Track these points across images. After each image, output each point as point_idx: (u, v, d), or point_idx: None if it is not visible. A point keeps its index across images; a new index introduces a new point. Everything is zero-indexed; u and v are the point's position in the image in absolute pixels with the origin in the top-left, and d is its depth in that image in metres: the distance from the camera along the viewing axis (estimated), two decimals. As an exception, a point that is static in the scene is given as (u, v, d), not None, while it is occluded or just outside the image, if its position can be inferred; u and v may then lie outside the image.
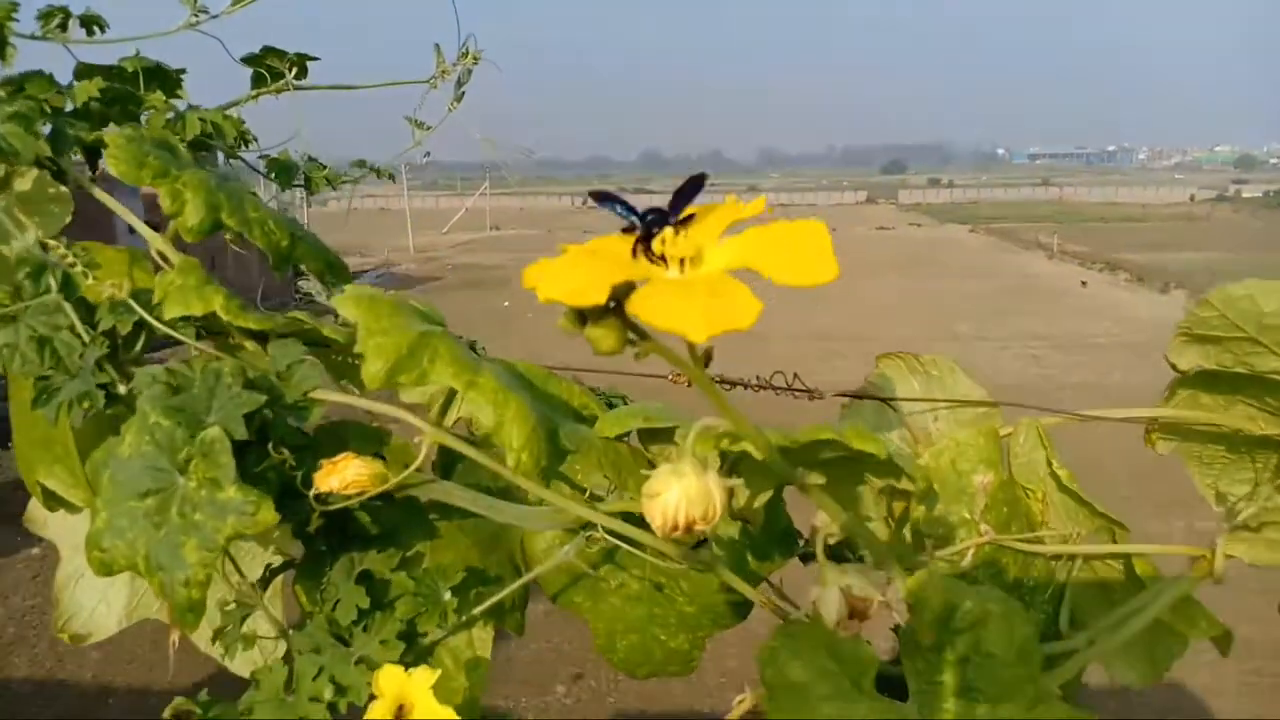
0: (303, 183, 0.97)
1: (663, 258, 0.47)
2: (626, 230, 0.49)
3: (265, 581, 0.73)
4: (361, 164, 1.06)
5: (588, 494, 0.75)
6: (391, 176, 1.06)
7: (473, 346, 0.96)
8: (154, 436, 0.62)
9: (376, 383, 0.58)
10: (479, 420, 0.59)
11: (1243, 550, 0.63)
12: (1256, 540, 0.62)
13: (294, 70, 1.02)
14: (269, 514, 0.60)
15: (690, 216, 0.49)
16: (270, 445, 0.66)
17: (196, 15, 0.91)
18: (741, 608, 0.79)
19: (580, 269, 0.45)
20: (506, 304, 12.97)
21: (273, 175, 0.97)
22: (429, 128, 1.15)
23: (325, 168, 1.00)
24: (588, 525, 0.73)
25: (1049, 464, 0.68)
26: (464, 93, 1.10)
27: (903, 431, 0.74)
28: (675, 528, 0.52)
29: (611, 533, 0.71)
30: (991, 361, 10.73)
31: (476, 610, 0.71)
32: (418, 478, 0.65)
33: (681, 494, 0.51)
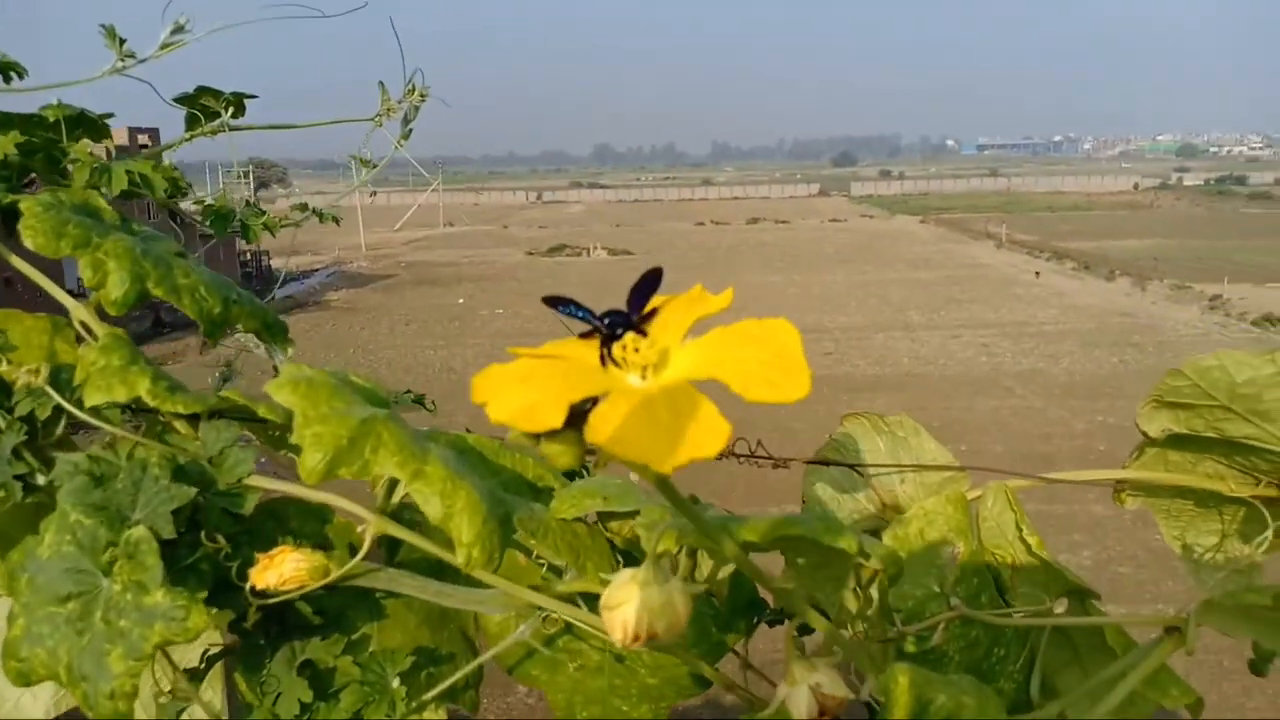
0: (239, 230, 0.93)
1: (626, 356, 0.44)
2: (585, 335, 0.46)
3: (202, 672, 0.69)
4: (303, 207, 1.01)
5: (545, 566, 0.72)
6: (336, 220, 1.01)
7: (420, 401, 0.93)
8: (75, 536, 0.58)
9: (316, 477, 0.55)
10: (426, 512, 0.56)
11: (1216, 620, 0.61)
12: (1230, 609, 0.61)
13: (230, 109, 0.97)
14: (200, 619, 0.56)
15: (652, 312, 0.46)
16: (203, 534, 0.62)
17: (123, 60, 0.86)
18: (705, 678, 0.76)
19: (533, 384, 0.41)
20: (461, 300, 12.87)
21: (207, 223, 0.92)
22: (374, 165, 1.11)
23: (264, 214, 0.95)
24: (554, 569, 0.70)
25: (1018, 529, 0.67)
26: (411, 130, 1.06)
27: (869, 493, 0.72)
28: (636, 639, 0.49)
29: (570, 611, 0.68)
30: (942, 350, 10.87)
31: (428, 695, 0.68)
32: (362, 567, 0.62)
33: (642, 605, 0.48)
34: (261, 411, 0.62)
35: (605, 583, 0.52)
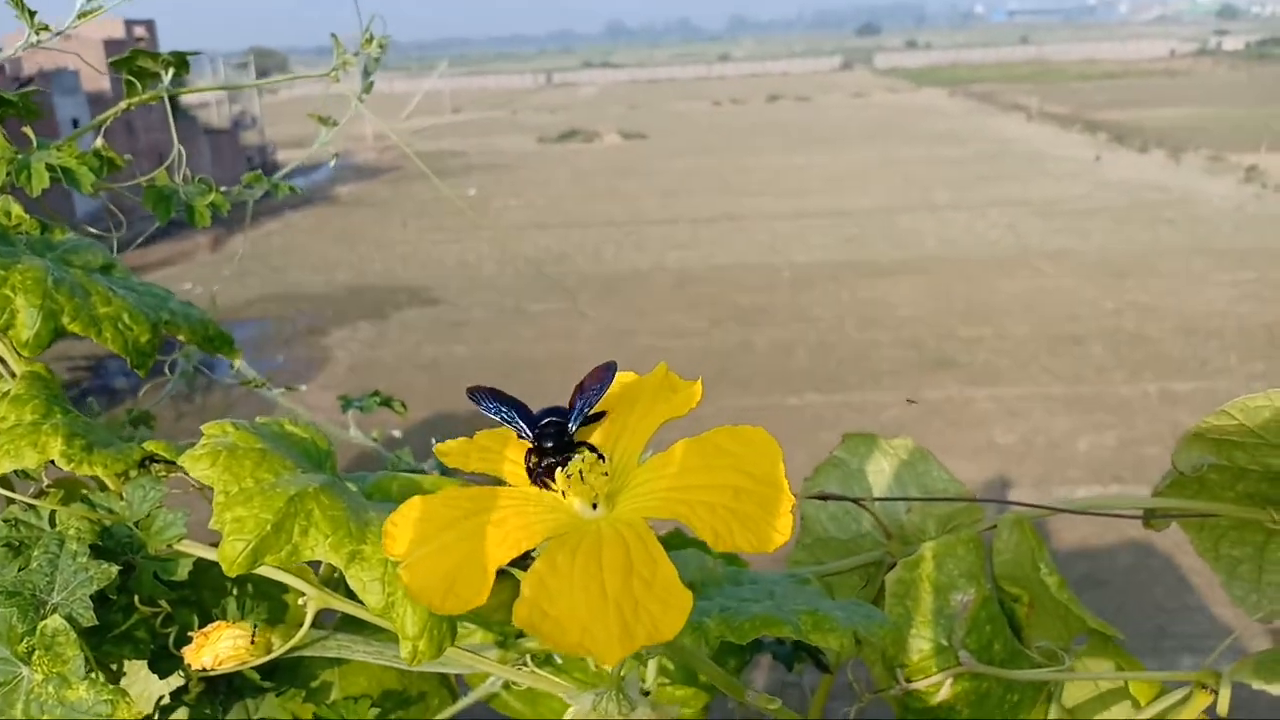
0: (183, 213, 0.84)
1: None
2: (532, 444, 0.39)
3: (160, 716, 0.65)
4: (257, 178, 0.93)
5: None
6: (292, 190, 0.93)
7: (388, 403, 0.86)
8: (-12, 622, 0.53)
9: (238, 570, 0.49)
10: (364, 601, 0.50)
11: (1251, 674, 0.55)
12: (1268, 663, 0.55)
13: (170, 71, 0.88)
14: (127, 714, 0.51)
15: (599, 415, 0.39)
16: (137, 599, 0.57)
17: (38, 34, 0.77)
18: (695, 703, 0.72)
19: (454, 540, 0.34)
20: (472, 192, 12.68)
21: (150, 206, 0.84)
22: (334, 123, 1.02)
23: (212, 190, 0.87)
24: (520, 634, 0.65)
25: (1037, 566, 0.60)
26: (372, 83, 0.96)
27: (872, 521, 0.65)
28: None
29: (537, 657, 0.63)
30: (968, 230, 10.65)
31: (397, 747, 0.64)
32: (308, 637, 0.57)
33: (606, 737, 0.42)
34: (191, 472, 0.56)
35: (571, 693, 0.46)
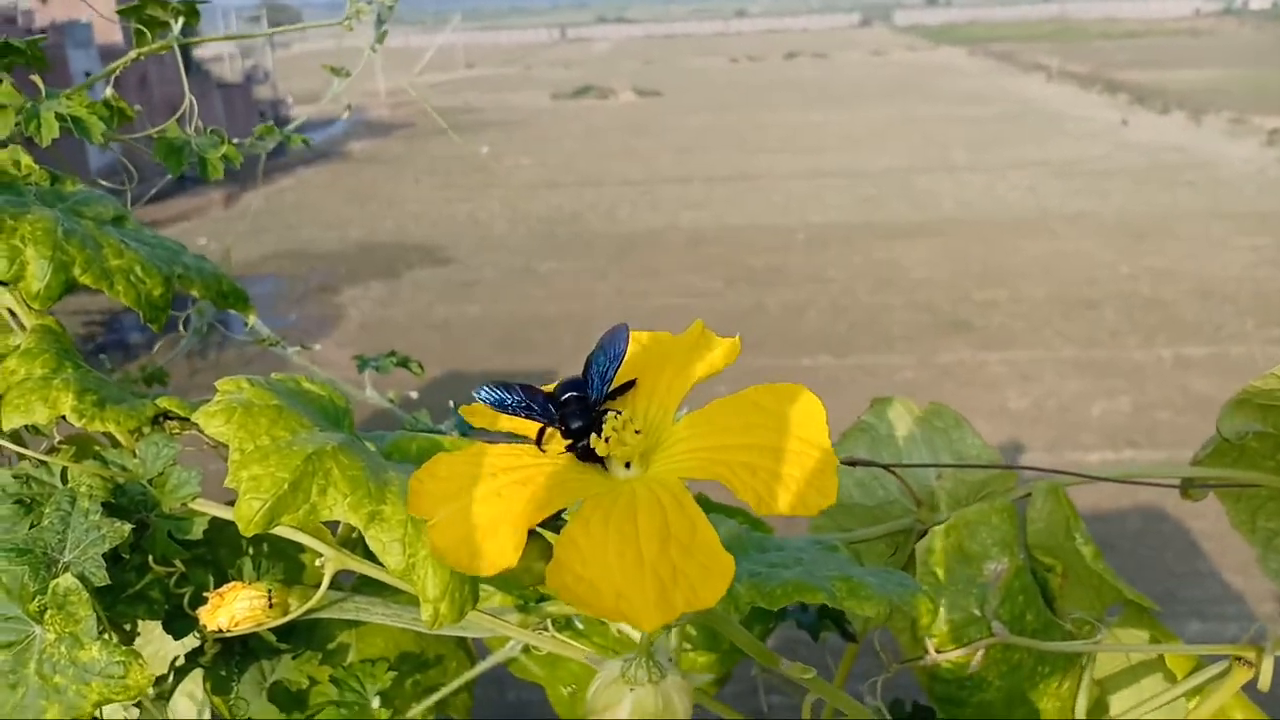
0: (196, 165, 0.82)
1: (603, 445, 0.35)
2: (540, 415, 0.37)
3: (171, 686, 0.64)
4: (269, 129, 0.90)
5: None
6: (305, 142, 0.91)
7: (405, 364, 0.85)
8: (1, 580, 0.52)
9: (255, 529, 0.47)
10: (385, 563, 0.49)
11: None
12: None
13: (180, 20, 0.86)
14: (140, 677, 0.50)
15: (627, 385, 0.37)
16: (151, 558, 0.56)
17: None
18: (719, 669, 0.71)
19: (481, 500, 0.33)
20: (485, 149, 12.59)
21: (161, 158, 0.82)
22: (347, 73, 1.00)
23: (224, 142, 0.85)
24: (542, 598, 0.64)
25: (1071, 535, 0.59)
26: (385, 32, 0.94)
27: (901, 487, 0.63)
28: (629, 753, 0.42)
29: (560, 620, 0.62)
30: (987, 191, 10.53)
31: (417, 710, 0.63)
32: (325, 599, 0.55)
33: (634, 709, 0.41)
34: (206, 430, 0.54)
35: (596, 659, 0.45)
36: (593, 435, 0.34)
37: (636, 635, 0.65)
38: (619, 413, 0.35)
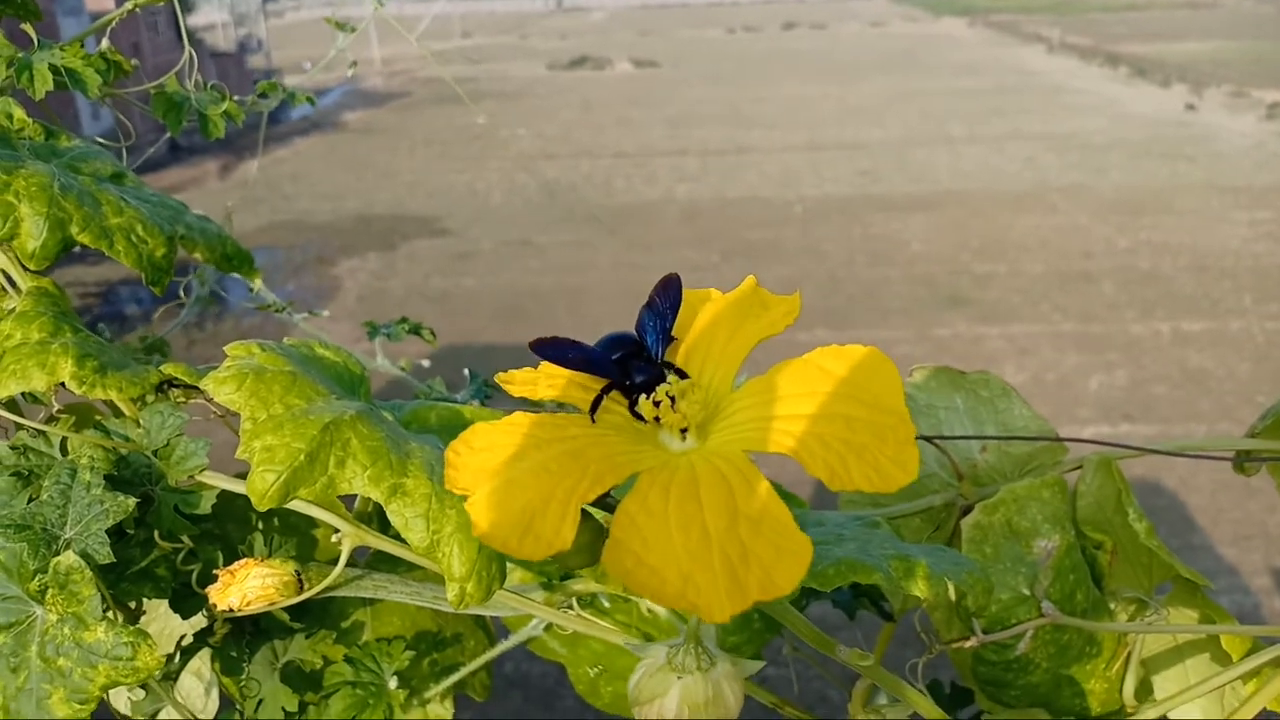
0: (196, 122, 0.79)
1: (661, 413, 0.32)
2: (592, 366, 0.34)
3: (178, 667, 0.61)
4: (271, 86, 0.87)
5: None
6: (310, 100, 0.87)
7: (416, 330, 0.81)
8: (-2, 557, 0.49)
9: (269, 504, 0.44)
10: (408, 539, 0.46)
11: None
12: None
13: (177, -32, 0.82)
14: (149, 658, 0.47)
15: (669, 339, 0.34)
16: (157, 534, 0.53)
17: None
18: (748, 650, 0.68)
19: (528, 474, 0.30)
20: (482, 120, 12.48)
21: (160, 115, 0.78)
22: (352, 29, 0.96)
23: (225, 98, 0.81)
24: (566, 575, 0.61)
25: (1124, 510, 0.56)
26: (391, -13, 0.90)
27: (941, 457, 0.61)
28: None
29: (585, 599, 0.60)
30: (984, 164, 10.48)
31: (434, 691, 0.60)
32: (343, 577, 0.53)
33: (682, 700, 0.38)
34: (215, 396, 0.51)
35: (637, 644, 0.42)
36: (665, 402, 0.31)
37: (663, 611, 0.62)
38: (683, 374, 0.32)
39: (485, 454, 0.31)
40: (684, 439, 0.32)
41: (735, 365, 0.33)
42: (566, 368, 0.34)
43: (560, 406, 0.36)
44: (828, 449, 0.29)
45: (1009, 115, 13.08)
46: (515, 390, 0.35)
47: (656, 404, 0.32)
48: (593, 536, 0.32)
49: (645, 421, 0.32)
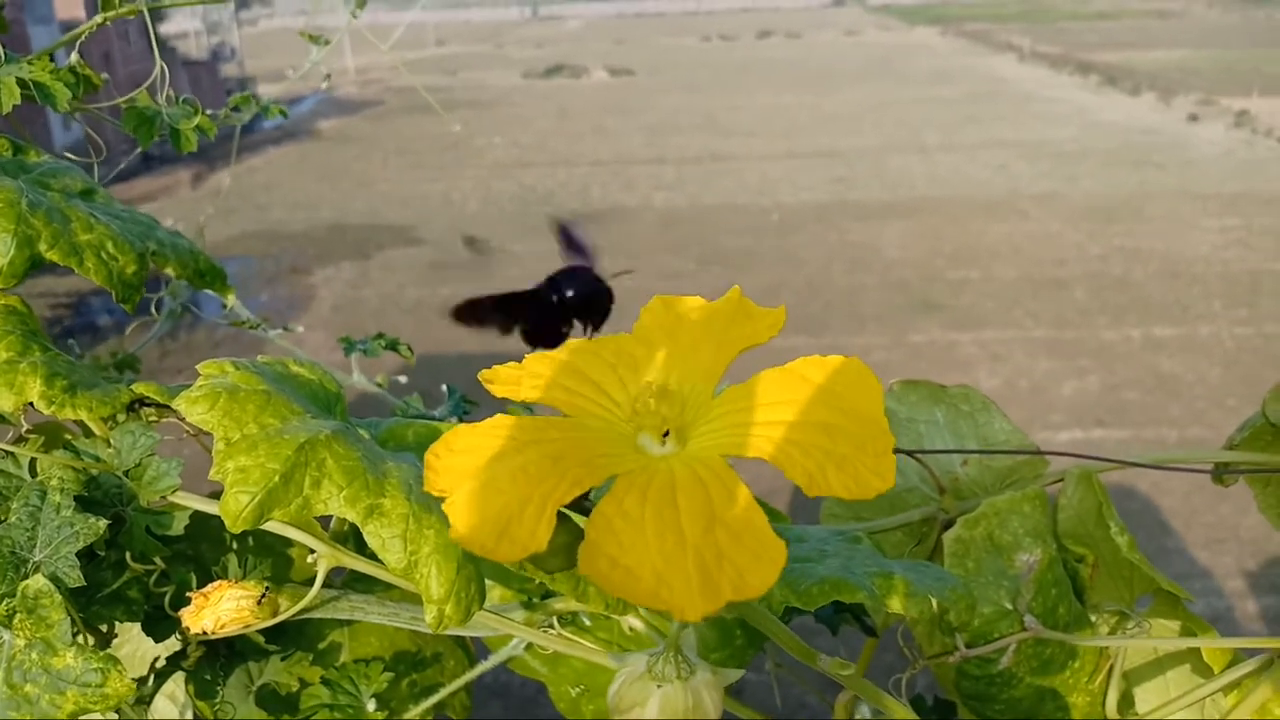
0: (167, 136, 0.78)
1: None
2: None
3: (151, 690, 0.60)
4: (245, 100, 0.86)
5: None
6: (283, 113, 0.86)
7: (394, 346, 0.81)
8: (-37, 582, 0.47)
9: (243, 525, 0.44)
10: (384, 560, 0.45)
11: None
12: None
13: (149, -19, 0.81)
14: (119, 685, 0.46)
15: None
16: (129, 556, 0.52)
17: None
18: (733, 664, 0.68)
19: (504, 476, 0.30)
20: (457, 128, 12.45)
21: (131, 129, 0.77)
22: (326, 41, 0.95)
23: (197, 112, 0.80)
24: (547, 594, 0.60)
25: (1107, 526, 0.56)
26: (365, 1, 0.89)
27: (923, 471, 0.61)
28: (656, 753, 0.39)
29: (567, 617, 0.59)
30: (957, 172, 10.57)
31: (414, 712, 0.60)
32: (318, 598, 0.52)
33: (662, 708, 0.38)
34: (189, 416, 0.50)
35: (617, 655, 0.41)
36: (624, 398, 0.31)
37: (643, 628, 0.62)
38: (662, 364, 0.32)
39: (465, 456, 0.31)
40: (664, 443, 0.32)
41: (718, 373, 0.33)
42: (492, 315, 0.34)
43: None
44: (807, 456, 0.29)
45: (982, 123, 13.22)
46: (498, 390, 0.35)
47: (638, 399, 0.32)
48: (570, 539, 0.31)
49: (624, 423, 0.32)
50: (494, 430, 0.31)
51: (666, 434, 0.32)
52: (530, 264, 7.44)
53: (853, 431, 0.29)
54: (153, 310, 0.85)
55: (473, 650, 0.66)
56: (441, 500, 0.49)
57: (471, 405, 0.75)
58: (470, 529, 0.29)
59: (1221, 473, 0.57)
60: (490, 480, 0.30)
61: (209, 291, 0.72)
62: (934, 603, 0.42)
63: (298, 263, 7.67)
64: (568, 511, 0.33)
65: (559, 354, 0.36)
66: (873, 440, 0.29)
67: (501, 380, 0.36)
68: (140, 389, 0.52)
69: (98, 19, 0.80)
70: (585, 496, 0.32)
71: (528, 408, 0.49)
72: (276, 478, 0.44)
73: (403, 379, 0.84)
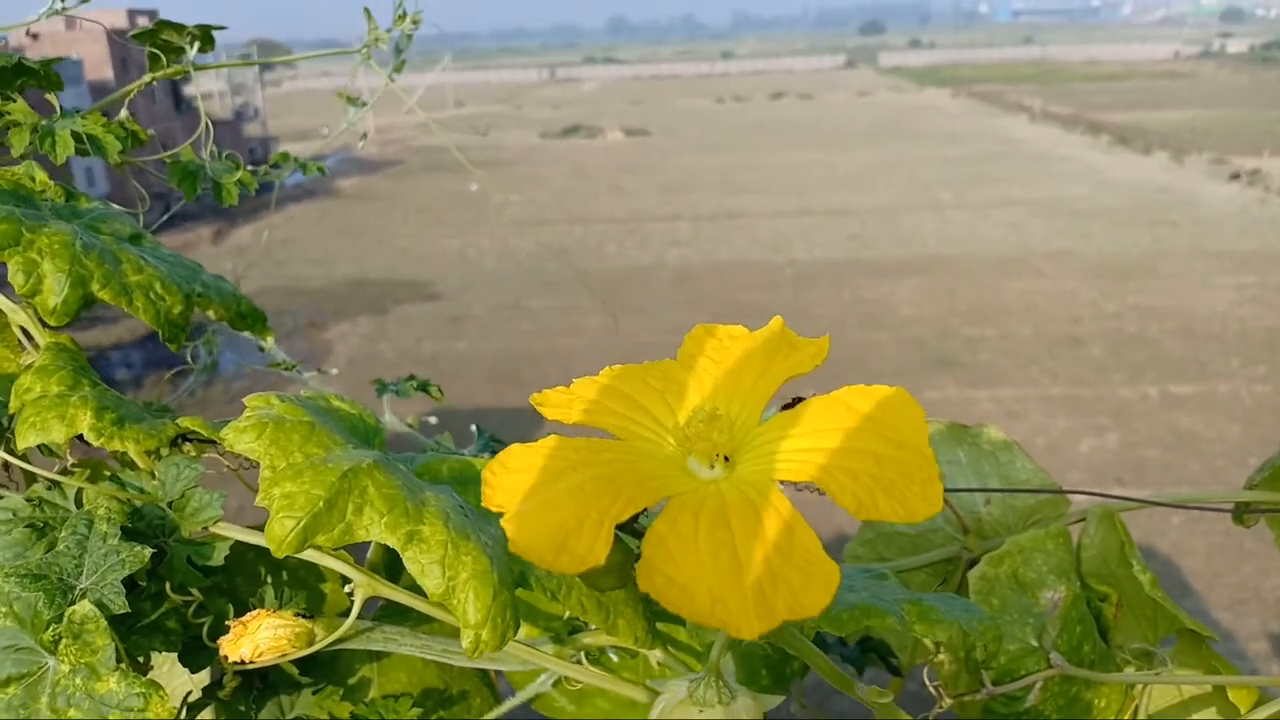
0: (210, 190, 0.81)
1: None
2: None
3: (189, 713, 0.61)
4: (284, 157, 0.89)
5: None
6: (321, 170, 0.89)
7: (425, 388, 0.83)
8: (12, 608, 0.49)
9: (288, 550, 0.45)
10: (423, 585, 0.46)
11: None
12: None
13: (195, 44, 0.84)
14: (161, 710, 0.47)
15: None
16: (169, 586, 0.53)
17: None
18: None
19: (564, 494, 0.31)
20: (475, 187, 12.63)
21: (176, 183, 0.80)
22: (364, 103, 0.98)
23: (239, 168, 0.83)
24: (573, 630, 0.61)
25: (1128, 563, 0.57)
26: (404, 62, 0.93)
27: (946, 512, 0.61)
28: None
29: (596, 656, 0.60)
30: (970, 230, 10.63)
31: (439, 747, 0.60)
32: (353, 628, 0.53)
33: (704, 731, 0.39)
34: (234, 447, 0.52)
35: (657, 681, 0.42)
36: (675, 424, 0.32)
37: (671, 662, 0.62)
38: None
39: (520, 474, 0.32)
40: (713, 467, 0.33)
41: (764, 400, 0.35)
42: None
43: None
44: (856, 481, 0.30)
45: (994, 182, 13.32)
46: (549, 413, 0.37)
47: (689, 426, 0.33)
48: (622, 558, 0.33)
49: (676, 448, 0.33)
50: (548, 450, 0.33)
51: (715, 458, 0.33)
52: (546, 319, 7.50)
53: (900, 459, 0.30)
54: (189, 359, 0.87)
55: (498, 688, 0.67)
56: (478, 529, 0.50)
57: (499, 444, 0.76)
58: (530, 542, 0.30)
59: (1242, 512, 0.58)
60: (549, 498, 0.31)
61: (226, 347, 0.74)
62: (959, 629, 0.42)
63: (315, 317, 7.76)
64: (619, 532, 0.34)
65: (604, 379, 0.38)
66: (919, 468, 0.30)
67: (552, 404, 0.37)
68: (185, 423, 0.54)
69: (146, 78, 0.84)
70: (635, 518, 0.33)
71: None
72: (321, 503, 0.46)
73: (433, 420, 0.86)
